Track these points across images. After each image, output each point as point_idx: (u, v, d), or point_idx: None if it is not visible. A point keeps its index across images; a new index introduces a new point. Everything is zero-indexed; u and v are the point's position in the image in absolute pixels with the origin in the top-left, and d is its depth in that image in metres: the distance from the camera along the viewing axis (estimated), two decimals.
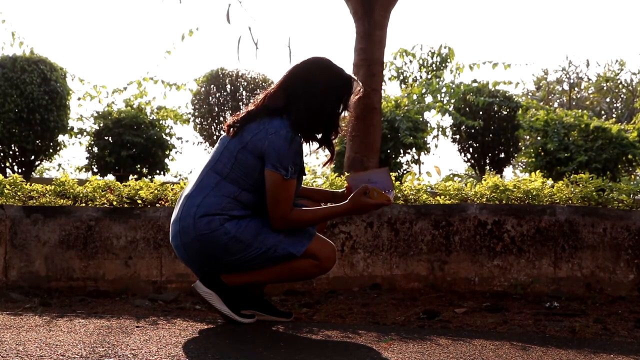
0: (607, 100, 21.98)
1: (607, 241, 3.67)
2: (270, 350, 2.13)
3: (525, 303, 3.35)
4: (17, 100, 7.62)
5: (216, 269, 2.59)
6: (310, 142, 2.68)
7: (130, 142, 8.23)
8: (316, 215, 2.61)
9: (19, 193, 3.99)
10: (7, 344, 2.10)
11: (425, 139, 8.98)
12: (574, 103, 21.57)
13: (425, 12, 41.54)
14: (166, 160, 8.71)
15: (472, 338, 2.49)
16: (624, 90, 21.84)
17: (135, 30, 37.32)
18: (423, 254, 3.72)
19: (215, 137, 8.95)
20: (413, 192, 4.01)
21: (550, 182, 4.11)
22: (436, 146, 10.01)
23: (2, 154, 7.95)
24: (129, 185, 4.04)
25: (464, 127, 9.28)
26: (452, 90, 9.27)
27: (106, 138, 8.41)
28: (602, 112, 20.74)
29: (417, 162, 9.16)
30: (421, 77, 12.53)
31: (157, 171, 8.62)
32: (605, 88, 21.98)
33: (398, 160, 8.53)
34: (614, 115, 19.17)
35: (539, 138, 9.33)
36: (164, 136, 8.70)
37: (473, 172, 10.77)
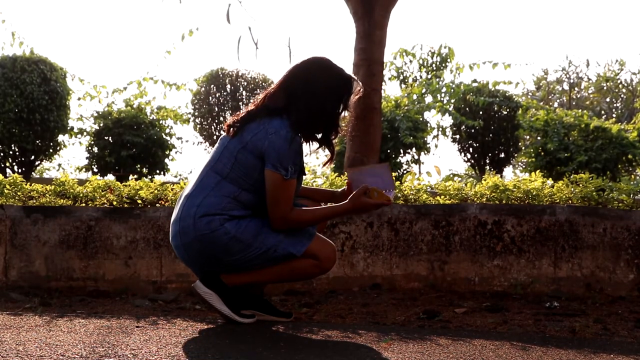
0: (607, 100, 21.99)
1: (607, 241, 3.67)
2: (270, 350, 2.13)
3: (525, 303, 3.35)
4: (17, 100, 7.62)
5: (216, 269, 2.59)
6: (310, 142, 2.67)
7: (130, 142, 8.23)
8: (316, 215, 2.61)
9: (19, 193, 4.00)
10: (7, 344, 2.10)
11: (425, 139, 8.98)
12: (574, 103, 21.57)
13: (425, 12, 41.55)
14: (166, 160, 8.71)
15: (472, 338, 2.49)
16: (624, 90, 21.84)
17: (135, 30, 37.34)
18: (423, 253, 3.72)
19: (215, 137, 8.96)
20: (413, 192, 4.01)
21: (550, 182, 4.11)
22: (436, 146, 10.02)
23: (2, 154, 7.95)
24: (129, 185, 4.04)
25: (464, 127, 9.28)
26: (452, 90, 9.27)
27: (106, 138, 8.41)
28: (602, 112, 20.74)
29: (417, 162, 9.17)
30: (421, 77, 12.53)
31: (157, 171, 8.62)
32: (605, 88, 21.98)
33: (398, 160, 8.53)
34: (614, 115, 19.18)
35: (539, 138, 9.33)
36: (164, 136, 8.70)
37: (473, 172, 10.77)
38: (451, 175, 11.53)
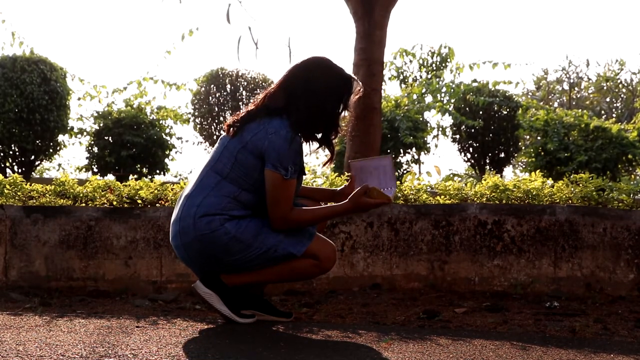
0: (607, 100, 21.99)
1: (607, 241, 3.67)
2: (270, 350, 2.13)
3: (525, 303, 3.35)
4: (17, 100, 7.62)
5: (216, 269, 2.59)
6: (310, 142, 2.67)
7: (130, 142, 8.23)
8: (316, 215, 2.61)
9: (19, 193, 3.99)
10: (7, 344, 2.10)
11: (425, 139, 8.98)
12: (574, 103, 21.58)
13: (425, 12, 41.55)
14: (166, 160, 8.71)
15: (472, 338, 2.49)
16: (624, 90, 21.84)
17: (135, 30, 37.34)
18: (423, 253, 3.72)
19: (215, 137, 8.96)
20: (413, 192, 4.01)
21: (550, 182, 4.11)
22: (436, 146, 10.03)
23: (2, 154, 7.95)
24: (129, 185, 4.04)
25: (464, 127, 9.28)
26: (452, 90, 9.27)
27: (106, 138, 8.41)
28: (602, 112, 20.74)
29: (417, 161, 9.17)
30: (421, 77, 12.53)
31: (157, 171, 8.63)
32: (605, 88, 21.98)
33: (398, 160, 8.53)
34: (614, 115, 19.18)
35: (539, 138, 9.33)
36: (164, 136, 8.70)
37: (473, 172, 10.77)
38: (451, 175, 11.54)
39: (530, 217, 3.70)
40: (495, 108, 9.24)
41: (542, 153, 8.93)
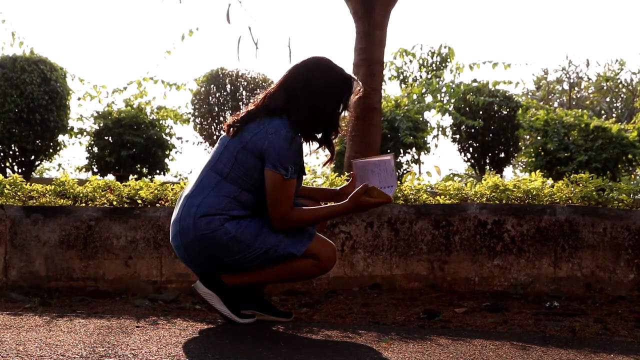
0: (607, 100, 21.98)
1: (607, 241, 3.67)
2: (270, 350, 2.13)
3: (525, 303, 3.35)
4: (17, 100, 7.62)
5: (216, 269, 2.59)
6: (310, 142, 2.67)
7: (130, 142, 8.23)
8: (316, 214, 2.61)
9: (19, 193, 3.99)
10: (7, 344, 2.10)
11: (425, 139, 8.98)
12: (574, 103, 21.57)
13: (425, 12, 41.55)
14: (166, 160, 8.71)
15: (472, 338, 2.49)
16: (624, 90, 21.84)
17: (135, 30, 37.34)
18: (423, 253, 3.72)
19: (215, 137, 8.96)
20: (413, 192, 4.01)
21: (550, 181, 4.11)
22: (436, 146, 10.03)
23: (2, 154, 7.95)
24: (129, 185, 4.04)
25: (464, 127, 9.28)
26: (452, 90, 9.28)
27: (106, 138, 8.41)
28: (602, 111, 20.74)
29: (417, 161, 9.18)
30: (421, 77, 12.53)
31: (157, 171, 8.63)
32: (605, 88, 21.98)
33: (398, 160, 8.53)
34: (614, 115, 19.18)
35: (539, 138, 9.33)
36: (164, 136, 8.70)
37: (473, 172, 10.77)
38: (451, 175, 11.54)
39: (530, 217, 3.70)
40: (495, 108, 9.24)
41: (542, 153, 8.93)
